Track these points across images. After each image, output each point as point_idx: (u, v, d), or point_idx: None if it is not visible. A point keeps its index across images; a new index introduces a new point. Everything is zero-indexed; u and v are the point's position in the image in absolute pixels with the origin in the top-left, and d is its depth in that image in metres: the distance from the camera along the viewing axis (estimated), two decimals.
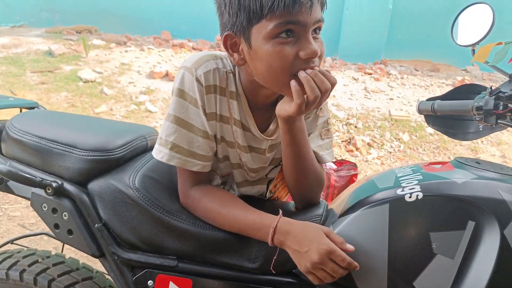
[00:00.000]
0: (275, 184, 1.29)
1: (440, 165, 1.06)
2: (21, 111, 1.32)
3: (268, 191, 1.26)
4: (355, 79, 5.44)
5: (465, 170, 0.99)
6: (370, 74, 5.65)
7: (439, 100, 1.22)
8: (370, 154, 3.75)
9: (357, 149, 3.78)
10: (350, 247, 0.89)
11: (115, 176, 1.05)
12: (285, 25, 0.83)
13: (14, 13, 6.82)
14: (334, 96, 4.80)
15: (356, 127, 4.16)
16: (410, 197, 0.92)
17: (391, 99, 4.85)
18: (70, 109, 4.02)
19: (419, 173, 1.00)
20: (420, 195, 0.91)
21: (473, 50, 1.19)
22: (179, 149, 0.99)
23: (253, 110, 1.06)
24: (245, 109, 1.05)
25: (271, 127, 1.09)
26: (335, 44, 6.40)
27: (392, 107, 4.62)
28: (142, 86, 4.59)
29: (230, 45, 0.94)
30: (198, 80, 0.97)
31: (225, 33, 0.92)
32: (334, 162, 2.14)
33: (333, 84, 0.88)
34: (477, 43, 1.15)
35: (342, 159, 2.27)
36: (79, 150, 1.04)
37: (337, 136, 3.97)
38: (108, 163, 1.06)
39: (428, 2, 6.03)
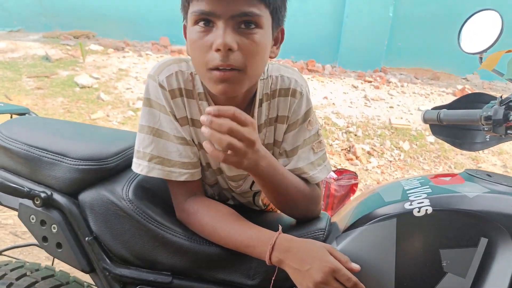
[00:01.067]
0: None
1: (449, 178, 1.01)
2: (11, 117, 1.27)
3: (262, 204, 1.21)
4: (354, 87, 5.41)
5: (476, 183, 0.94)
6: (370, 82, 5.63)
7: (445, 109, 1.18)
8: (370, 162, 3.70)
9: (357, 157, 3.74)
10: (355, 266, 0.84)
11: (107, 187, 0.99)
12: (199, 14, 0.80)
13: (11, 18, 6.78)
14: (333, 104, 4.77)
15: (356, 135, 4.11)
16: (418, 211, 0.87)
17: (391, 107, 4.82)
18: (66, 114, 3.97)
19: (428, 186, 0.95)
20: (430, 209, 0.87)
21: (481, 58, 1.16)
22: (159, 160, 0.94)
23: None
24: None
25: None
26: (335, 51, 6.39)
27: (392, 115, 4.59)
28: (140, 92, 4.55)
29: (185, 34, 0.92)
30: (161, 86, 0.94)
31: (184, 23, 0.91)
32: (334, 171, 2.10)
33: (229, 115, 0.76)
34: (485, 51, 1.12)
35: (342, 168, 2.23)
36: (70, 159, 0.99)
37: (336, 144, 3.93)
38: (100, 173, 1.00)
39: (428, 10, 6.02)
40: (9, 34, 6.67)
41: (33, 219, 1.02)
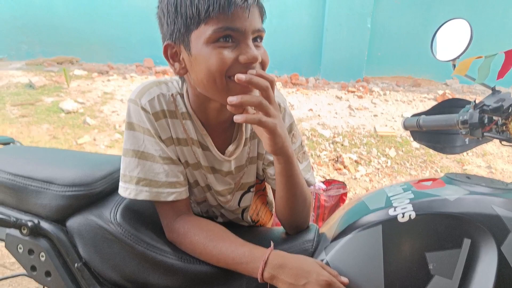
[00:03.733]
0: (257, 212, 1.26)
1: (431, 182, 1.03)
2: None
3: (251, 220, 1.22)
4: (338, 98, 5.47)
5: (456, 186, 0.97)
6: (353, 92, 5.70)
7: (424, 116, 1.21)
8: (358, 171, 3.73)
9: (345, 167, 3.77)
10: (344, 279, 0.87)
11: (95, 212, 1.00)
12: (223, 31, 0.82)
13: None
14: (319, 115, 4.82)
15: (342, 145, 4.15)
16: (402, 217, 0.89)
17: (375, 115, 4.88)
18: (52, 141, 3.95)
19: (410, 191, 0.98)
20: (413, 214, 0.89)
21: (454, 65, 1.19)
22: (147, 182, 0.95)
23: (210, 130, 1.03)
24: (199, 128, 1.02)
25: (230, 148, 1.06)
26: (317, 64, 6.47)
27: (377, 124, 4.64)
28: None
29: (171, 55, 0.92)
30: (144, 109, 0.95)
31: (165, 43, 0.90)
32: (323, 182, 2.12)
33: (270, 81, 0.83)
34: (457, 57, 1.15)
35: (331, 179, 2.25)
36: (56, 185, 0.99)
37: (324, 155, 3.95)
38: (87, 198, 1.01)
39: (405, 20, 6.15)
40: None
41: (20, 248, 1.01)
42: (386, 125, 4.61)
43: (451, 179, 1.01)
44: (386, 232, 0.89)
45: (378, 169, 3.81)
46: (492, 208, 0.86)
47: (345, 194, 2.10)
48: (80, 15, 6.64)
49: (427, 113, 1.26)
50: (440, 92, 5.67)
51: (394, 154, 4.04)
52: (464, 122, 1.04)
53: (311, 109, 4.99)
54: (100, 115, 4.58)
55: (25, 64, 6.49)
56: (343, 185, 2.13)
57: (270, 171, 1.10)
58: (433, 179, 1.06)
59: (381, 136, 4.35)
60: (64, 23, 6.66)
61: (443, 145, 1.31)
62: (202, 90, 0.91)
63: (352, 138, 4.30)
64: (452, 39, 1.20)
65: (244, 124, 1.03)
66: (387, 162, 3.90)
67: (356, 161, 3.88)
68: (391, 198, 0.98)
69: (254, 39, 0.86)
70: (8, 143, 1.28)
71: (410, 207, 0.90)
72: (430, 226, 0.87)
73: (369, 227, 0.91)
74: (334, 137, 4.29)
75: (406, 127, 1.27)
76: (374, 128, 4.53)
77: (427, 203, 0.91)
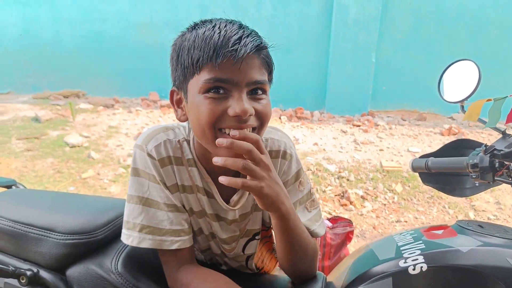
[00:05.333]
0: (262, 259, 1.22)
1: (442, 231, 1.00)
2: None
3: (255, 267, 1.19)
4: (343, 132, 5.47)
5: (468, 236, 0.93)
6: (359, 126, 5.70)
7: (433, 158, 1.19)
8: (365, 207, 3.68)
9: (351, 202, 3.72)
10: None
11: (95, 260, 0.97)
12: (213, 82, 0.80)
13: (0, 81, 6.86)
14: (324, 149, 4.80)
15: (348, 180, 4.11)
16: (414, 269, 0.86)
17: (381, 150, 4.86)
18: (56, 175, 3.94)
19: (421, 241, 0.94)
20: (424, 266, 0.85)
21: (462, 106, 1.18)
22: (150, 230, 0.93)
23: (215, 178, 1.00)
24: (204, 175, 1.00)
25: (235, 197, 1.04)
26: (322, 97, 6.51)
27: (382, 158, 4.61)
28: (130, 149, 4.55)
29: (176, 100, 0.92)
30: (150, 155, 0.95)
31: (171, 89, 0.92)
32: (329, 219, 2.08)
33: (255, 141, 0.80)
34: (465, 99, 1.14)
35: (337, 216, 2.21)
36: (56, 233, 0.97)
37: (330, 190, 3.91)
38: (88, 246, 0.98)
39: (409, 53, 6.21)
40: None
41: None
42: (392, 160, 4.58)
43: (462, 227, 0.98)
44: (397, 285, 0.86)
45: (385, 204, 3.76)
46: (507, 261, 0.83)
47: (351, 232, 2.06)
48: (87, 49, 6.77)
49: (436, 154, 1.24)
50: (446, 126, 5.66)
51: (401, 189, 3.99)
52: (474, 166, 1.03)
53: (316, 143, 4.98)
54: (105, 149, 4.59)
55: (31, 98, 6.58)
56: (349, 222, 2.08)
57: None
58: (444, 227, 1.03)
59: (387, 171, 4.31)
60: (70, 57, 6.79)
61: (453, 187, 1.28)
62: (197, 139, 0.91)
63: (358, 173, 4.27)
64: (459, 80, 1.19)
65: None
66: (394, 198, 3.85)
67: (362, 197, 3.84)
68: (401, 248, 0.94)
69: (254, 91, 0.84)
70: (10, 186, 1.27)
71: (421, 258, 0.87)
72: (442, 279, 0.84)
73: (379, 279, 0.88)
74: (339, 172, 4.25)
75: (414, 169, 1.25)
76: (380, 162, 4.50)
77: (439, 255, 0.88)
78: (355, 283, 0.92)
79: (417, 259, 0.87)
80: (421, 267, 0.86)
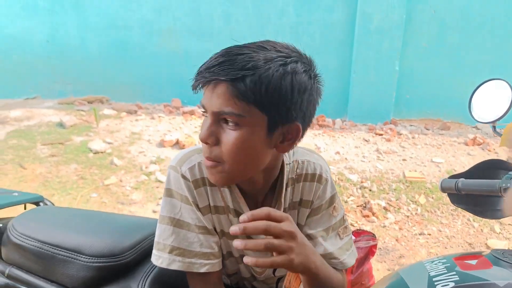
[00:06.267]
0: (289, 280, 1.20)
1: (476, 261, 0.96)
2: (25, 207, 1.26)
3: None
4: (366, 140, 5.40)
5: (504, 268, 0.89)
6: (381, 134, 5.62)
7: (463, 179, 1.16)
8: (387, 218, 3.62)
9: (373, 214, 3.66)
10: None
11: (122, 284, 0.97)
12: (200, 105, 0.86)
13: (27, 86, 7.01)
14: (346, 159, 4.75)
15: (370, 190, 4.05)
16: None
17: (404, 159, 4.78)
18: (79, 181, 3.99)
19: (454, 272, 0.90)
20: None
21: (494, 127, 1.15)
22: (180, 251, 0.93)
23: (248, 198, 1.00)
24: (237, 196, 0.99)
25: None
26: (344, 105, 6.44)
27: (405, 168, 4.54)
28: (152, 156, 4.58)
29: None
30: (184, 177, 0.95)
31: None
32: (352, 233, 2.04)
33: (266, 214, 0.75)
34: (498, 119, 1.11)
35: (359, 229, 2.17)
36: (83, 256, 0.97)
37: (352, 200, 3.86)
38: (116, 269, 0.98)
39: (433, 62, 6.10)
40: (25, 101, 6.87)
41: None
42: (415, 170, 4.50)
43: (498, 258, 0.94)
44: None
45: (408, 216, 3.69)
46: None
47: (374, 246, 2.03)
48: (111, 56, 6.86)
49: (466, 174, 1.21)
50: (471, 136, 5.53)
51: (424, 201, 3.91)
52: (507, 190, 0.99)
53: (338, 152, 4.93)
54: (127, 155, 4.63)
55: (57, 103, 6.69)
56: (372, 236, 2.05)
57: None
58: (478, 256, 0.98)
59: (410, 181, 4.24)
60: (95, 63, 6.89)
61: (484, 208, 1.24)
62: None
63: (380, 183, 4.21)
64: (491, 99, 1.16)
65: (282, 194, 1.00)
66: (417, 209, 3.78)
67: (384, 208, 3.77)
68: (434, 279, 0.91)
69: (225, 120, 0.83)
70: (38, 202, 1.28)
71: None
72: None
73: None
74: (362, 182, 4.20)
75: (443, 189, 1.22)
76: (403, 173, 4.42)
77: None
78: None
79: None
80: None
